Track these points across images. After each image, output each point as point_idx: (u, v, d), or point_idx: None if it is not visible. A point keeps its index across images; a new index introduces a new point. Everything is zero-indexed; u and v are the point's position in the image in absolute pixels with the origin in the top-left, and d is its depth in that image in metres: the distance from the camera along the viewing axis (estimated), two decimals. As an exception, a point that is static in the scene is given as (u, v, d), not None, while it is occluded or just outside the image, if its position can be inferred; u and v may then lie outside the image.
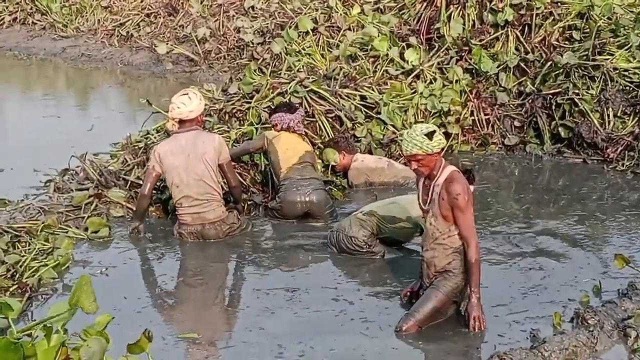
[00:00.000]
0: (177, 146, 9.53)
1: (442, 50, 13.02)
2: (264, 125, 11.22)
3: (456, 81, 12.70)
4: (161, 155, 9.51)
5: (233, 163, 10.10)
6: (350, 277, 8.64)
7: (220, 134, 10.76)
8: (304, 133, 10.73)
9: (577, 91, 12.01)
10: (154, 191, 9.94)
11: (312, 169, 10.37)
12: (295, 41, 14.09)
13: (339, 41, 14.00)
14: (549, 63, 12.48)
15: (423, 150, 7.17)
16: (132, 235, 9.68)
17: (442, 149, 7.32)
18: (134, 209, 9.94)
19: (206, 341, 7.36)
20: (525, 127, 12.51)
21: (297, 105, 10.92)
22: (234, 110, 11.50)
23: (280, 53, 13.93)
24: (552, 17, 12.91)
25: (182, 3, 20.72)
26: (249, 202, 10.40)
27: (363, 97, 12.10)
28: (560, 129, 12.07)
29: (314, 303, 8.00)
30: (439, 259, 7.37)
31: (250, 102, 11.54)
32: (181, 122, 9.56)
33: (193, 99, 9.52)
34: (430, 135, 7.17)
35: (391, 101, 12.03)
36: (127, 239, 9.69)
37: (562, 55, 12.33)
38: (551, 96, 12.20)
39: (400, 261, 8.82)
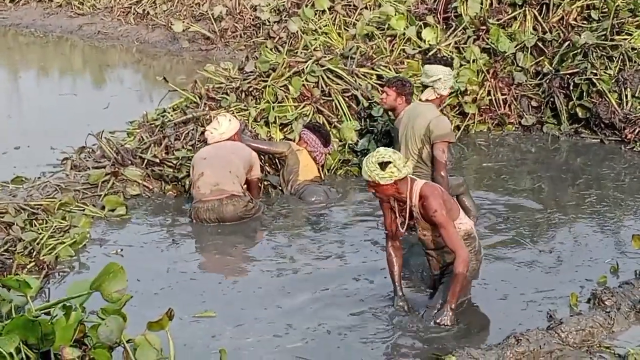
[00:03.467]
0: (214, 145, 9.96)
1: (459, 29, 12.94)
2: (280, 104, 11.21)
3: (473, 61, 12.63)
4: (196, 155, 9.94)
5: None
6: (368, 258, 8.62)
7: (237, 112, 10.81)
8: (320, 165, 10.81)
9: (595, 71, 11.93)
10: (170, 169, 10.05)
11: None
12: (312, 20, 14.04)
13: (356, 20, 13.93)
14: (566, 43, 12.40)
15: (372, 178, 6.99)
16: None
17: (400, 179, 7.01)
18: None
19: (222, 320, 7.39)
20: (542, 107, 12.45)
21: (331, 138, 10.94)
22: (251, 89, 11.48)
23: (297, 32, 13.89)
24: (571, -4, 12.84)
25: (199, -19, 20.68)
26: (265, 183, 10.40)
27: (380, 77, 12.05)
28: (577, 109, 12.01)
29: (331, 282, 8.01)
30: (444, 257, 7.34)
31: (266, 81, 11.51)
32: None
33: (222, 122, 9.98)
34: (383, 165, 6.93)
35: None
36: (143, 218, 9.71)
37: (580, 35, 12.25)
38: (569, 76, 12.12)
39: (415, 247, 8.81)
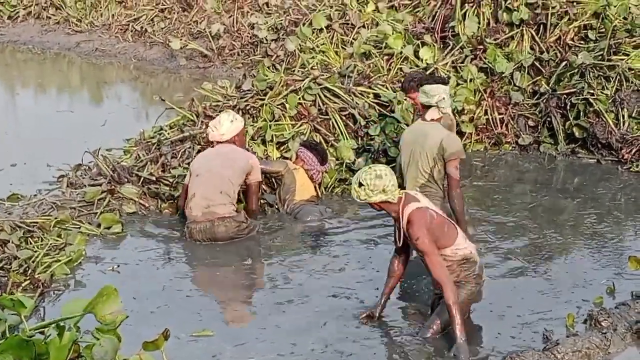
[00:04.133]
0: (212, 151, 9.89)
1: (456, 48, 12.98)
2: (276, 122, 11.21)
3: (470, 80, 12.66)
4: (194, 161, 9.85)
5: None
6: (362, 277, 8.60)
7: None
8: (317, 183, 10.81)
9: (592, 91, 11.95)
10: (166, 187, 10.02)
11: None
12: (309, 38, 14.07)
13: (353, 39, 13.98)
14: (563, 63, 12.43)
15: (354, 193, 7.14)
16: None
17: (382, 202, 7.10)
18: None
19: (220, 339, 7.37)
20: (539, 127, 12.46)
21: (327, 157, 10.92)
22: (248, 107, 11.49)
23: (295, 50, 13.91)
24: (568, 17, 12.85)
25: (197, -1, 20.72)
26: (262, 201, 10.37)
27: (377, 95, 12.07)
28: (574, 129, 12.02)
29: (327, 301, 8.00)
30: None
31: (263, 99, 11.52)
32: (218, 143, 9.87)
33: (223, 121, 9.84)
34: (359, 184, 7.07)
35: (405, 99, 11.98)
36: (139, 236, 9.70)
37: (577, 55, 12.28)
38: (566, 96, 12.14)
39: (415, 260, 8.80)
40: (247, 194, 9.92)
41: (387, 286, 7.57)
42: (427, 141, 8.88)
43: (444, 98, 8.96)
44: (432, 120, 9.08)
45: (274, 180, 10.59)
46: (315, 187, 10.71)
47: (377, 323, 7.52)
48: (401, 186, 9.20)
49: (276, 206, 10.41)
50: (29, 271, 8.47)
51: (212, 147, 10.01)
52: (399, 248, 7.49)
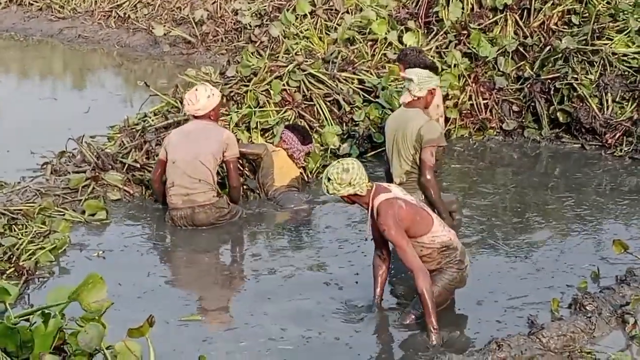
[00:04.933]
0: (183, 130, 9.75)
1: (440, 34, 12.97)
2: (261, 108, 11.19)
3: (455, 65, 12.65)
4: (170, 137, 9.69)
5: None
6: (347, 262, 8.61)
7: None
8: (301, 164, 10.80)
9: (575, 76, 11.95)
10: (150, 174, 9.98)
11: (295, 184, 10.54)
12: (293, 24, 14.04)
13: (337, 24, 13.96)
14: (547, 47, 12.44)
15: (323, 187, 7.24)
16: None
17: (351, 194, 7.17)
18: None
19: (209, 325, 7.43)
20: (523, 112, 12.46)
21: (311, 138, 10.91)
22: (232, 94, 11.46)
23: (278, 36, 13.88)
24: (551, 1, 12.84)
25: (180, -15, 20.64)
26: (244, 187, 10.35)
27: (361, 81, 12.07)
28: (558, 114, 12.03)
29: (311, 288, 8.01)
30: (426, 265, 7.29)
31: (248, 85, 11.49)
32: (194, 117, 9.73)
33: (200, 96, 9.65)
34: (327, 179, 7.17)
35: (389, 85, 11.97)
36: (124, 222, 9.69)
37: (561, 40, 12.29)
38: (550, 81, 12.14)
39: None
40: (227, 171, 9.81)
41: (378, 284, 7.58)
42: (407, 128, 8.89)
43: (412, 80, 8.94)
44: (405, 104, 9.07)
45: (254, 165, 10.55)
46: (300, 171, 10.69)
47: (355, 315, 7.52)
48: (388, 172, 9.26)
49: (257, 192, 10.38)
50: (14, 259, 8.44)
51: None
52: (378, 244, 7.53)
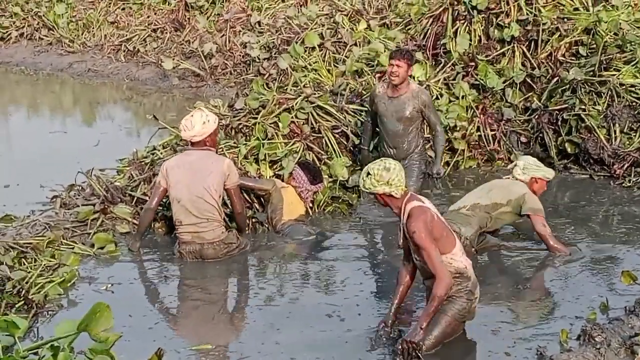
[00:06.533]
0: (184, 162, 9.59)
1: (448, 65, 13.01)
2: (270, 141, 11.21)
3: (462, 97, 12.68)
4: (168, 169, 9.56)
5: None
6: (354, 295, 8.61)
7: (227, 150, 10.77)
8: (308, 204, 10.80)
9: (583, 107, 11.97)
10: (159, 207, 9.97)
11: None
12: (302, 57, 14.10)
13: (345, 57, 14.00)
14: (555, 79, 12.47)
15: (360, 182, 7.40)
16: (131, 250, 9.72)
17: (387, 194, 7.31)
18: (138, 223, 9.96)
19: (223, 354, 7.46)
20: (531, 143, 12.48)
21: (322, 177, 10.89)
22: (241, 126, 11.49)
23: (287, 68, 13.94)
24: (559, 33, 12.89)
25: (189, 18, 20.73)
26: (253, 220, 10.37)
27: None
28: (566, 144, 12.05)
29: (320, 319, 8.05)
30: None
31: (256, 118, 11.52)
32: (191, 142, 9.62)
33: (195, 122, 9.53)
34: (367, 174, 7.32)
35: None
36: (133, 256, 9.70)
37: (568, 71, 12.31)
38: (558, 112, 12.17)
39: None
40: (230, 199, 9.73)
41: (397, 295, 7.64)
42: (508, 187, 9.51)
43: (517, 165, 9.65)
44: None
45: (263, 199, 10.57)
46: (306, 207, 10.71)
47: (375, 336, 7.55)
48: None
49: (266, 225, 10.39)
50: (23, 292, 8.44)
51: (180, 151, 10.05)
52: (406, 256, 7.57)
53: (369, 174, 7.28)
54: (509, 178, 9.59)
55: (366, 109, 11.48)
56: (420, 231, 7.10)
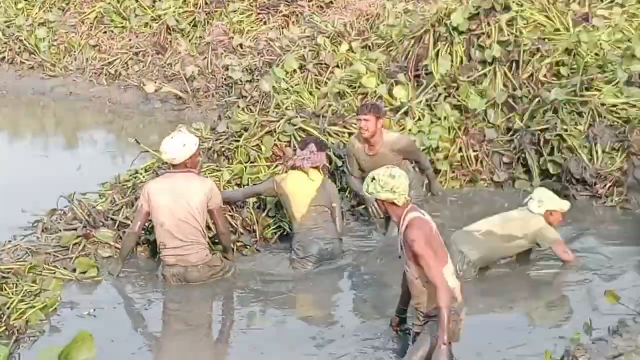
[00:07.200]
0: (166, 186, 9.53)
1: (430, 86, 13.02)
2: (252, 164, 11.19)
3: (444, 118, 12.68)
4: (150, 193, 9.51)
5: (223, 207, 10.01)
6: (338, 314, 8.60)
7: (210, 173, 10.75)
8: (312, 168, 10.17)
9: (565, 127, 11.98)
10: (142, 231, 9.92)
11: (326, 214, 10.11)
12: (284, 79, 14.10)
13: (327, 78, 14.02)
14: (537, 99, 12.49)
15: (364, 186, 7.43)
16: (111, 275, 9.66)
17: (388, 201, 7.32)
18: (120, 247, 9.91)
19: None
20: (514, 163, 12.48)
21: (312, 140, 10.51)
22: (223, 149, 11.47)
23: (269, 91, 13.94)
24: (540, 54, 12.91)
25: (170, 41, 20.70)
26: (238, 244, 10.32)
27: (352, 134, 12.07)
28: (549, 164, 12.05)
29: (299, 342, 8.03)
30: (423, 305, 7.32)
31: (239, 141, 11.51)
32: (172, 165, 9.57)
33: (175, 145, 9.44)
34: (372, 178, 7.33)
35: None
36: (115, 280, 9.65)
37: (550, 91, 12.32)
38: (539, 132, 12.17)
39: (384, 295, 8.83)
40: (213, 219, 9.68)
41: (402, 300, 7.75)
42: (525, 220, 9.56)
43: (532, 198, 9.71)
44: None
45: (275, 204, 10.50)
46: (310, 175, 10.09)
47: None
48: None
49: (254, 245, 10.32)
50: (4, 318, 8.39)
51: (161, 174, 10.02)
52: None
53: (373, 178, 7.30)
54: (523, 209, 9.61)
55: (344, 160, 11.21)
56: (420, 239, 7.11)
